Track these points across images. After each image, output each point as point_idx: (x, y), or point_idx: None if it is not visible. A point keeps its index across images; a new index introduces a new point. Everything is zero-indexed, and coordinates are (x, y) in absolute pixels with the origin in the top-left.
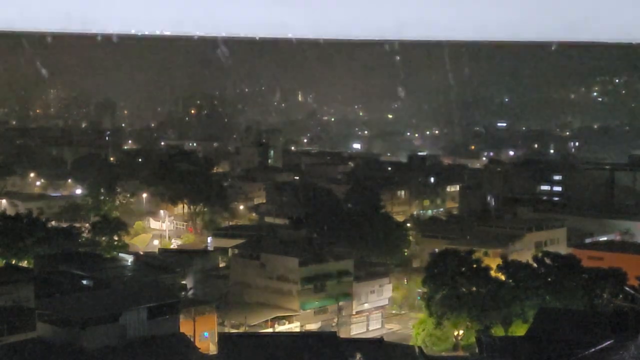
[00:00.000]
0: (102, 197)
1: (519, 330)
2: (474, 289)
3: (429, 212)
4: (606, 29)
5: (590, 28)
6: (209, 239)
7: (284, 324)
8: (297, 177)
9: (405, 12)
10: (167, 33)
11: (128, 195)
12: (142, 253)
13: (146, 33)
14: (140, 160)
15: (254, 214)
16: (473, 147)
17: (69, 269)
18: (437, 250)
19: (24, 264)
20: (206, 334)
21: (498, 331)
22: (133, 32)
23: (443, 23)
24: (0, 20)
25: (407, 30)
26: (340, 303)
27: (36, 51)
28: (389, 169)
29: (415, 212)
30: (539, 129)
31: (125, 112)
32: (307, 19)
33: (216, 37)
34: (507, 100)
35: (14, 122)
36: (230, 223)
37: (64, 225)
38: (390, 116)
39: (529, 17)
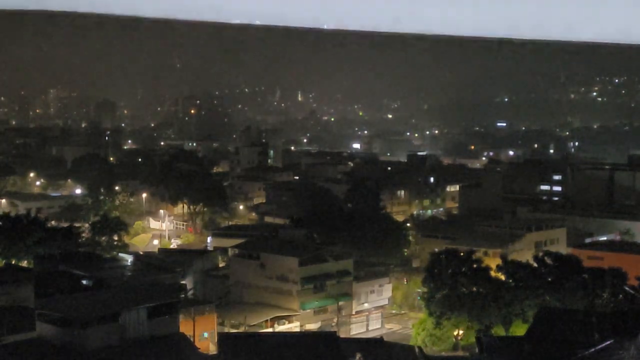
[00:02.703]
0: (102, 197)
1: (519, 330)
2: (474, 289)
3: (429, 212)
4: (605, 29)
5: (588, 28)
6: (209, 239)
7: (284, 324)
8: (297, 177)
9: (404, 6)
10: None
11: (128, 195)
12: (142, 253)
13: (148, 16)
14: (140, 160)
15: (254, 214)
16: (473, 147)
17: (69, 269)
18: (437, 250)
19: (24, 264)
20: (206, 334)
21: (498, 331)
22: (135, 14)
23: (442, 19)
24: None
25: (403, 25)
26: (340, 303)
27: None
28: (389, 169)
29: (415, 212)
30: (539, 129)
31: (126, 112)
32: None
33: (214, 22)
34: (506, 100)
35: (14, 122)
36: (230, 223)
37: (64, 225)
38: (390, 116)
39: (527, 14)
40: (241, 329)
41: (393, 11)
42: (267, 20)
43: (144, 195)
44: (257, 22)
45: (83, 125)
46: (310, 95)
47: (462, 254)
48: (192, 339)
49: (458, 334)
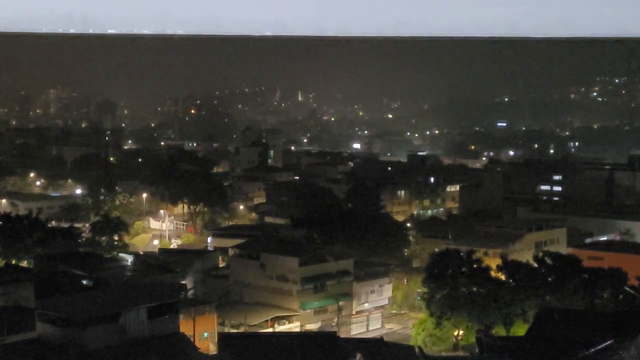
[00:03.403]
0: (102, 197)
1: (519, 330)
2: (474, 289)
3: (429, 212)
4: (602, 24)
5: (585, 24)
6: (209, 239)
7: (284, 324)
8: (297, 177)
9: (404, 9)
10: (169, 32)
11: (128, 195)
12: (142, 253)
13: (147, 32)
14: (140, 160)
15: (254, 214)
16: (473, 147)
17: (69, 269)
18: (437, 250)
19: (24, 264)
20: (206, 334)
21: (498, 331)
22: (134, 32)
23: (440, 20)
24: (2, 21)
25: (405, 28)
26: (340, 303)
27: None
28: (389, 169)
29: (415, 212)
30: (539, 129)
31: (126, 112)
32: (306, 17)
33: (216, 36)
34: (506, 100)
35: (14, 122)
36: (230, 223)
37: (64, 225)
38: (390, 116)
39: (526, 13)
40: (241, 329)
41: (394, 15)
42: (268, 31)
43: (144, 195)
44: (258, 33)
45: (83, 125)
46: (310, 95)
47: (462, 254)
48: (192, 339)
49: (458, 334)
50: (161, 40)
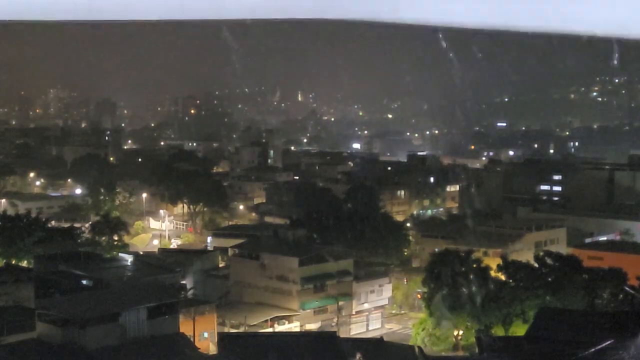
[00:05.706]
0: (102, 197)
1: (519, 330)
2: (474, 289)
3: (429, 212)
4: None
5: (585, 19)
6: (209, 239)
7: (284, 323)
8: (297, 177)
9: None
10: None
11: (128, 195)
12: (142, 253)
13: (144, 19)
14: (140, 160)
15: (254, 214)
16: (473, 147)
17: (69, 269)
18: (437, 250)
19: (24, 264)
20: (206, 334)
21: (498, 331)
22: (131, 18)
23: (441, 7)
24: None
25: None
26: (340, 303)
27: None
28: (389, 169)
29: (415, 212)
30: (539, 129)
31: (126, 111)
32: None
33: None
34: (506, 100)
35: (14, 122)
36: (230, 223)
37: (64, 225)
38: (390, 116)
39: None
40: (241, 329)
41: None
42: (264, 14)
43: (144, 195)
44: (253, 17)
45: (83, 125)
46: (310, 95)
47: (461, 254)
48: (192, 339)
49: (458, 334)
50: (160, 39)
